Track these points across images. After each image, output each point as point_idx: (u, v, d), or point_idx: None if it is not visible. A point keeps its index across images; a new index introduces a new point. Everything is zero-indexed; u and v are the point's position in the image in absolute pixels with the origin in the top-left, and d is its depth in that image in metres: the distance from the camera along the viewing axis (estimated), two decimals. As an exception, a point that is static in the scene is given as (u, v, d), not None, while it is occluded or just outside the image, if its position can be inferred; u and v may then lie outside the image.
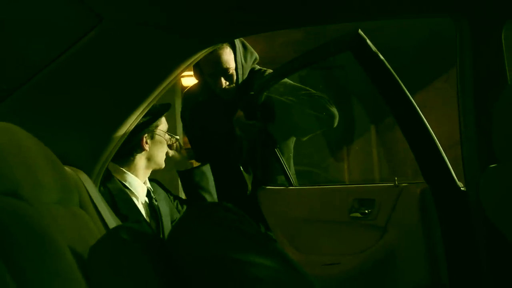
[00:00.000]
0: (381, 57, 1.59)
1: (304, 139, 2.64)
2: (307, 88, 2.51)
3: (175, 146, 2.37)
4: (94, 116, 1.62)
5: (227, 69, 2.46)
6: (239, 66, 2.50)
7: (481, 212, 1.45)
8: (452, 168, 1.67)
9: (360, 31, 1.58)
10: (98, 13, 1.42)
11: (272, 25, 1.68)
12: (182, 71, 1.68)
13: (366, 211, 1.90)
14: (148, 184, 2.18)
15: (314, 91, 2.49)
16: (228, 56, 2.46)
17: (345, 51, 1.66)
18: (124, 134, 1.70)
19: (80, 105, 1.59)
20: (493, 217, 1.38)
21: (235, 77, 2.50)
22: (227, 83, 2.50)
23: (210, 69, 2.48)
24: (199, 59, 1.68)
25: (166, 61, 1.61)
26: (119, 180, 2.07)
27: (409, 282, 1.75)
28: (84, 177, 1.56)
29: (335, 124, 2.45)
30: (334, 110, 2.44)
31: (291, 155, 2.62)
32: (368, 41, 1.58)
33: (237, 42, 2.50)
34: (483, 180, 1.40)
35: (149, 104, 1.67)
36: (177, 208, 2.30)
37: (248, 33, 1.81)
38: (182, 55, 1.62)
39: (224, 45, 2.43)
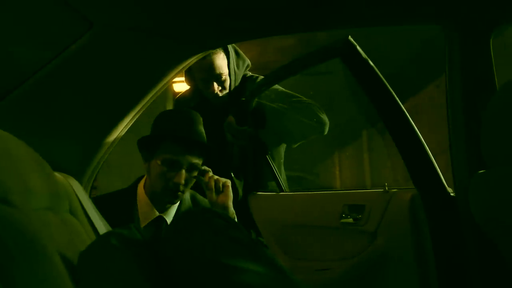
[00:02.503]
0: (371, 63, 1.60)
1: (295, 146, 2.65)
2: (298, 95, 2.52)
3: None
4: (84, 122, 1.61)
5: (220, 75, 2.46)
6: (232, 72, 2.50)
7: (470, 218, 1.45)
8: (443, 174, 1.68)
9: (350, 37, 1.59)
10: (88, 19, 1.42)
11: (264, 31, 1.68)
12: (173, 77, 1.68)
13: (357, 216, 1.90)
14: None
15: (305, 98, 2.50)
16: (221, 62, 2.45)
17: (335, 57, 1.67)
18: (115, 140, 1.69)
19: (70, 111, 1.59)
20: (482, 222, 1.39)
21: (228, 83, 2.50)
22: (220, 88, 2.49)
23: (203, 74, 2.47)
24: (190, 64, 1.69)
25: (157, 67, 1.61)
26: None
27: (399, 287, 1.76)
28: (74, 183, 1.55)
29: (326, 132, 2.46)
30: (325, 117, 2.45)
31: (282, 161, 2.62)
32: (358, 47, 1.59)
33: (230, 48, 2.51)
34: (472, 185, 1.41)
35: (140, 110, 1.67)
36: None
37: (239, 39, 1.82)
38: (173, 60, 1.62)
39: (218, 50, 2.42)
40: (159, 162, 1.94)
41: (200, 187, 2.07)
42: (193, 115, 2.05)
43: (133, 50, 1.55)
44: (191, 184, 2.01)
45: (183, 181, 1.93)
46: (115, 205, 2.00)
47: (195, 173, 1.99)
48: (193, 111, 2.08)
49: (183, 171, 1.93)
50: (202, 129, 2.03)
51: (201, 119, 2.07)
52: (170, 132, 1.95)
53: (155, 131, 2.02)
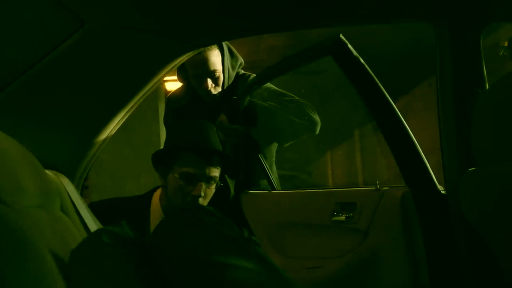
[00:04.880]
0: (362, 61, 1.61)
1: (286, 145, 2.65)
2: (290, 94, 2.53)
3: None
4: (76, 119, 1.61)
5: (214, 71, 2.46)
6: (226, 70, 2.51)
7: (461, 215, 1.46)
8: (434, 172, 1.69)
9: (341, 35, 1.60)
10: (80, 17, 1.41)
11: (257, 29, 1.68)
12: (165, 75, 1.67)
13: (348, 214, 1.91)
14: None
15: (297, 98, 2.50)
16: (215, 58, 2.45)
17: (326, 55, 1.67)
18: (106, 138, 1.69)
19: (62, 109, 1.58)
20: (472, 219, 1.40)
21: (221, 80, 2.50)
22: (213, 85, 2.49)
23: (197, 70, 2.47)
24: (181, 62, 1.68)
25: (148, 64, 1.61)
26: None
27: (390, 284, 1.77)
28: (65, 181, 1.55)
29: (317, 131, 2.47)
30: (317, 117, 2.45)
31: (274, 159, 2.62)
32: (349, 45, 1.59)
33: (224, 45, 2.51)
34: (462, 183, 1.42)
35: (131, 108, 1.67)
36: None
37: (232, 37, 1.81)
38: (165, 58, 1.62)
39: (212, 47, 2.42)
40: (176, 175, 1.92)
41: None
42: (207, 125, 2.02)
43: (124, 48, 1.55)
44: (210, 197, 1.99)
45: (202, 194, 1.91)
46: (128, 210, 1.97)
47: (214, 186, 1.96)
48: (206, 121, 2.06)
49: (202, 183, 1.91)
50: (217, 138, 2.01)
51: (215, 128, 2.04)
52: (187, 144, 1.93)
53: (170, 143, 1.99)
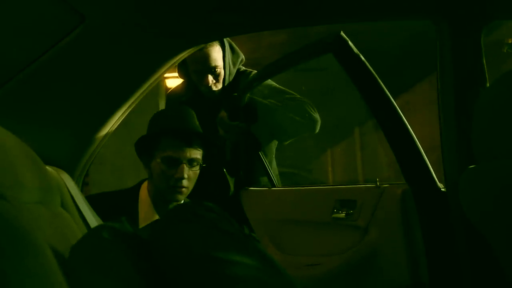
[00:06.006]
0: (363, 58, 1.61)
1: (286, 143, 2.65)
2: (291, 91, 2.52)
3: None
4: (76, 116, 1.61)
5: (215, 67, 2.45)
6: (227, 66, 2.50)
7: (461, 212, 1.46)
8: (434, 170, 1.69)
9: (342, 33, 1.60)
10: (81, 12, 1.41)
11: (255, 26, 1.68)
12: (166, 71, 1.68)
13: (348, 212, 1.91)
14: None
15: (298, 96, 2.50)
16: (217, 54, 2.45)
17: (327, 52, 1.67)
18: (107, 134, 1.69)
19: (62, 105, 1.58)
20: (472, 217, 1.39)
21: (222, 76, 2.50)
22: (214, 81, 2.49)
23: (198, 66, 2.46)
24: (182, 59, 1.68)
25: (149, 61, 1.61)
26: None
27: (390, 282, 1.76)
28: (66, 177, 1.55)
29: (317, 130, 2.47)
30: (317, 115, 2.45)
31: (273, 156, 2.62)
32: (350, 42, 1.59)
33: (226, 42, 2.51)
34: (462, 180, 1.42)
35: (132, 104, 1.67)
36: None
37: (231, 33, 1.82)
38: (165, 54, 1.62)
39: (214, 43, 2.42)
40: (158, 160, 1.93)
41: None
42: (185, 109, 2.04)
43: (125, 44, 1.55)
44: (194, 180, 2.01)
45: (185, 175, 1.93)
46: (116, 203, 1.99)
47: (197, 168, 1.98)
48: (185, 106, 2.08)
49: (184, 165, 1.92)
50: (197, 121, 2.03)
51: (193, 113, 2.06)
52: (165, 128, 1.94)
53: (150, 130, 2.01)
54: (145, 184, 2.07)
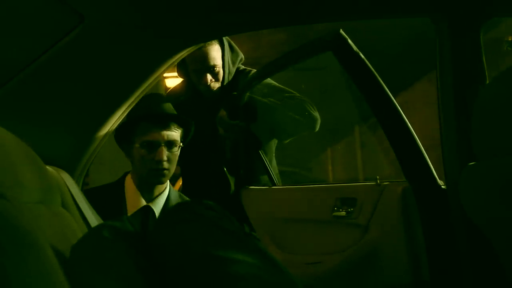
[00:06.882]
0: (362, 56, 1.61)
1: (286, 141, 2.66)
2: (291, 90, 2.52)
3: None
4: (76, 115, 1.61)
5: (214, 66, 2.45)
6: (226, 65, 2.50)
7: (461, 210, 1.46)
8: (434, 167, 1.69)
9: (341, 31, 1.60)
10: (80, 12, 1.41)
11: (254, 25, 1.68)
12: (165, 70, 1.68)
13: (349, 210, 1.91)
14: None
15: (298, 94, 2.50)
16: (216, 53, 2.45)
17: (326, 51, 1.67)
18: (107, 134, 1.69)
19: (62, 105, 1.59)
20: (472, 214, 1.40)
21: (221, 75, 2.50)
22: (213, 80, 2.49)
23: (197, 65, 2.46)
24: (181, 58, 1.68)
25: (148, 60, 1.61)
26: None
27: (391, 279, 1.77)
28: (66, 177, 1.55)
29: (317, 128, 2.47)
30: (316, 114, 2.45)
31: (273, 155, 2.62)
32: (349, 41, 1.59)
33: (225, 41, 2.51)
34: (462, 178, 1.42)
35: (131, 103, 1.67)
36: None
37: (229, 33, 1.82)
38: (164, 54, 1.62)
39: (213, 42, 2.42)
40: (137, 145, 1.97)
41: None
42: (156, 94, 2.10)
43: (124, 44, 1.55)
44: (175, 161, 2.04)
45: (164, 157, 1.96)
46: (104, 197, 2.03)
47: (176, 150, 2.00)
48: (156, 93, 2.11)
49: (162, 148, 1.96)
50: (170, 104, 2.07)
51: (164, 96, 2.09)
52: (140, 115, 1.98)
53: (127, 119, 2.04)
54: (129, 175, 2.12)
